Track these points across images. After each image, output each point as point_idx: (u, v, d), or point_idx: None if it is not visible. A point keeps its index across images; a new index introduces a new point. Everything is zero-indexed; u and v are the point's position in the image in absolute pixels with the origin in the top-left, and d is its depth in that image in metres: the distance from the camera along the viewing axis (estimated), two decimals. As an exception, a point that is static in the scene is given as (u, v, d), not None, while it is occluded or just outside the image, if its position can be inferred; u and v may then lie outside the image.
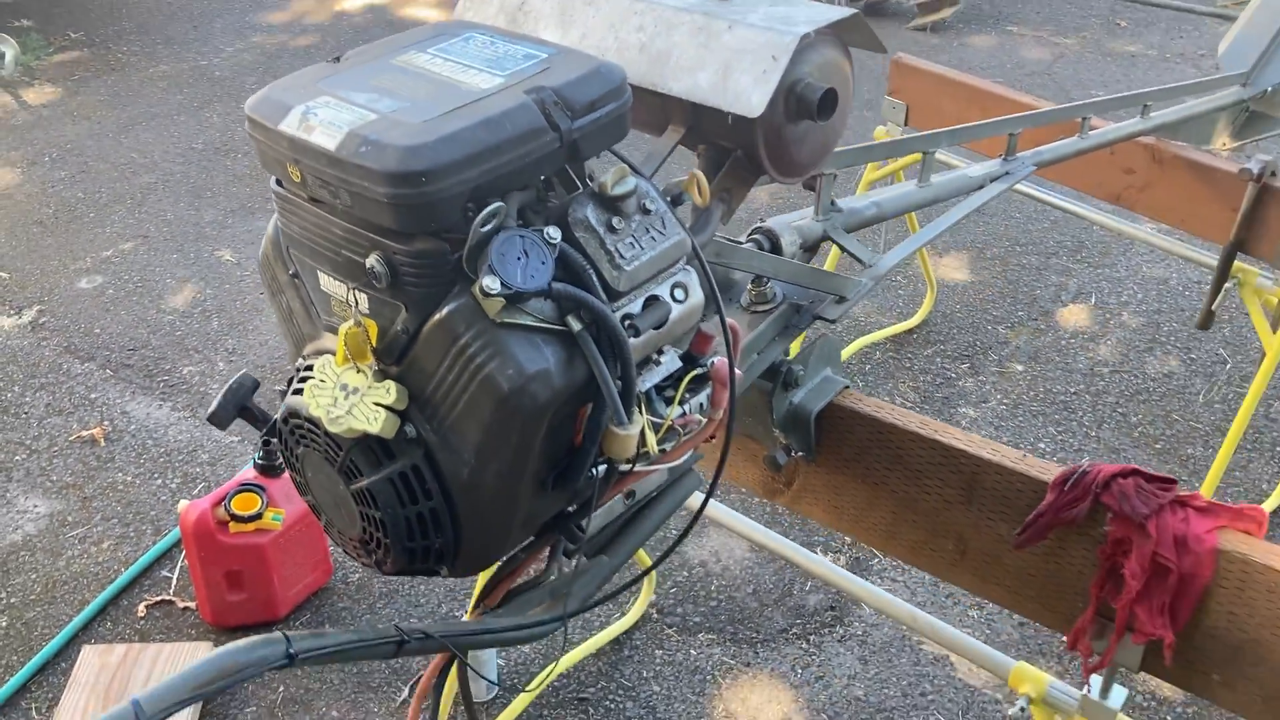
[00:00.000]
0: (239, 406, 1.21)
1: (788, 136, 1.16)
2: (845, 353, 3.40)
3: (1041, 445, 3.08)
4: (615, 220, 1.05)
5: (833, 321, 1.57)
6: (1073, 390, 3.29)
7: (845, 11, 1.16)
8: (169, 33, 5.84)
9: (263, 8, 6.15)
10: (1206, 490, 2.51)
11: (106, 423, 3.19)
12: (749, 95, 1.10)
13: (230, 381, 1.24)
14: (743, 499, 2.86)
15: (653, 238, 1.07)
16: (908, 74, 2.85)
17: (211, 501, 2.46)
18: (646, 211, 1.08)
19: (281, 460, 1.22)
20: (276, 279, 1.19)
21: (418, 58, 1.13)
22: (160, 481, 2.99)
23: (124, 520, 2.86)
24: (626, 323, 1.07)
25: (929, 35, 5.69)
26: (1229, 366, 3.37)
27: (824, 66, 1.16)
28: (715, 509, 1.99)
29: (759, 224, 1.55)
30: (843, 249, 1.63)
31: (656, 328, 1.10)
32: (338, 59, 1.15)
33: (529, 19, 1.29)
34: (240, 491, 2.47)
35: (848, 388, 1.59)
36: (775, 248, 1.54)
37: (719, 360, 1.17)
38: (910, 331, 3.53)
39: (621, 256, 1.05)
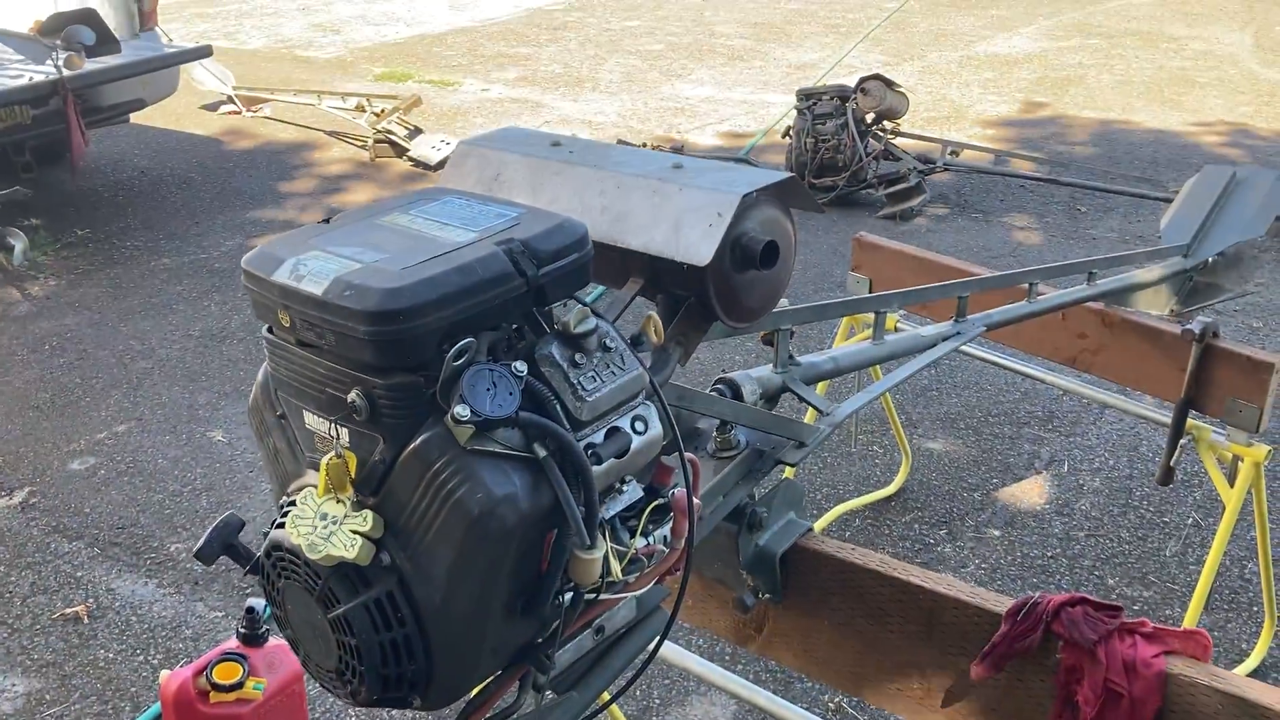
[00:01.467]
0: (225, 544, 1.28)
1: (736, 285, 1.28)
2: (825, 520, 3.45)
3: (1021, 608, 3.10)
4: (578, 356, 1.15)
5: (793, 465, 1.65)
6: (1049, 554, 3.33)
7: (782, 174, 1.29)
8: (172, 228, 6.10)
9: (262, 205, 6.44)
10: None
11: (91, 600, 3.20)
12: (698, 247, 1.22)
13: (218, 521, 1.30)
14: (738, 660, 2.86)
15: (613, 372, 1.17)
16: (869, 250, 3.02)
17: (193, 671, 2.45)
18: (607, 349, 1.17)
19: (264, 629, 1.27)
20: (264, 421, 1.27)
21: (400, 218, 1.25)
22: (142, 658, 2.98)
23: (103, 698, 2.84)
24: (589, 451, 1.15)
25: (897, 223, 5.96)
26: (1203, 528, 3.43)
27: (766, 222, 1.28)
28: (705, 667, 2.02)
29: (721, 375, 1.65)
30: (801, 399, 1.72)
31: (618, 457, 1.18)
32: (327, 220, 1.27)
33: (503, 188, 1.43)
34: (222, 660, 2.47)
35: (810, 530, 1.66)
36: (737, 396, 1.63)
37: (679, 491, 1.25)
38: (888, 499, 3.60)
39: (584, 389, 1.14)
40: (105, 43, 5.44)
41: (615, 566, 1.19)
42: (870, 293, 3.06)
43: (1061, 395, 4.02)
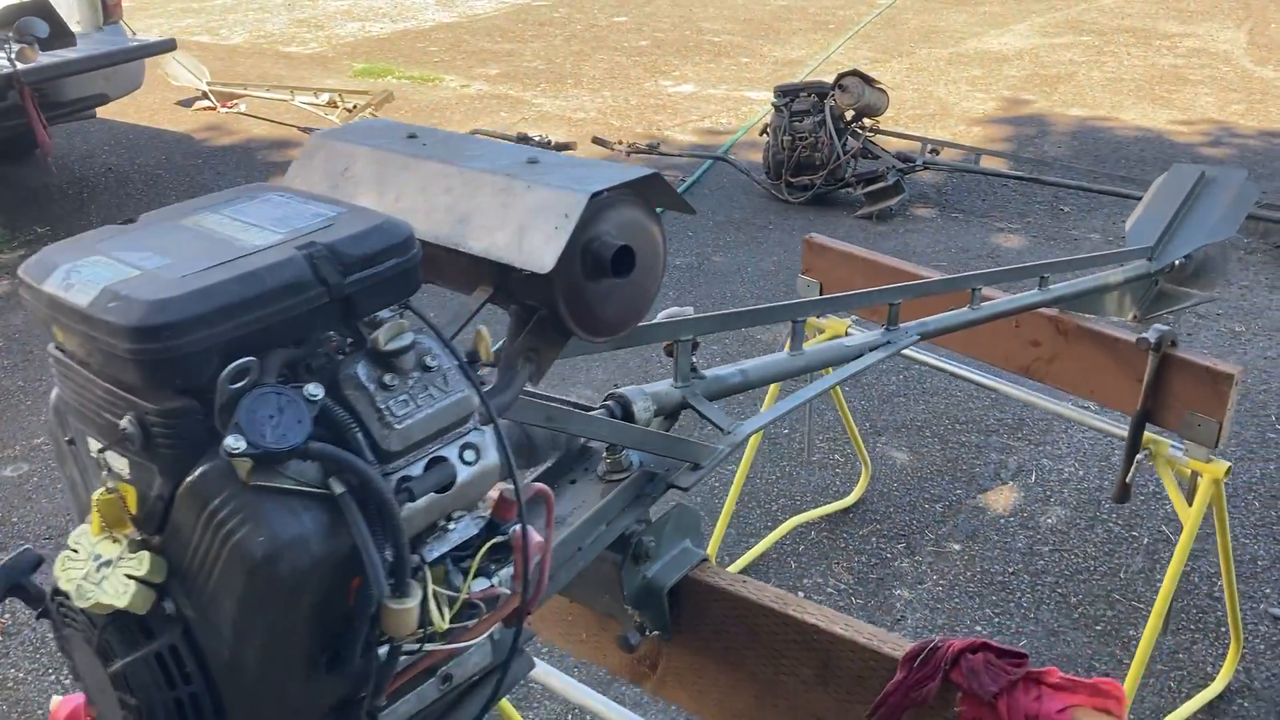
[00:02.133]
0: (11, 584, 1.14)
1: (589, 295, 1.14)
2: (777, 534, 3.31)
3: (978, 628, 2.97)
4: (388, 377, 1.01)
5: (685, 489, 1.51)
6: (1011, 570, 3.19)
7: (643, 171, 1.15)
8: (133, 226, 5.95)
9: (228, 202, 6.30)
10: (1133, 674, 2.39)
11: (7, 616, 3.06)
12: (541, 252, 1.08)
13: (10, 555, 1.16)
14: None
15: (431, 395, 1.03)
16: (818, 253, 2.88)
17: (86, 697, 2.32)
18: (426, 368, 1.03)
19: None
20: (60, 447, 1.13)
21: (208, 218, 1.11)
22: (53, 678, 2.84)
23: (7, 719, 2.70)
24: (402, 485, 1.01)
25: (874, 223, 5.82)
26: (1172, 543, 3.28)
27: (623, 225, 1.14)
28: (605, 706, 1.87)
29: (613, 390, 1.51)
30: (702, 415, 1.58)
31: (440, 490, 1.04)
32: (130, 220, 1.13)
33: (349, 184, 1.28)
34: (119, 685, 2.34)
35: (705, 560, 1.52)
36: (627, 414, 1.49)
37: (519, 527, 1.11)
38: (846, 511, 3.46)
39: (393, 414, 1.00)
40: (59, 35, 5.30)
41: (437, 614, 1.05)
42: (821, 296, 2.92)
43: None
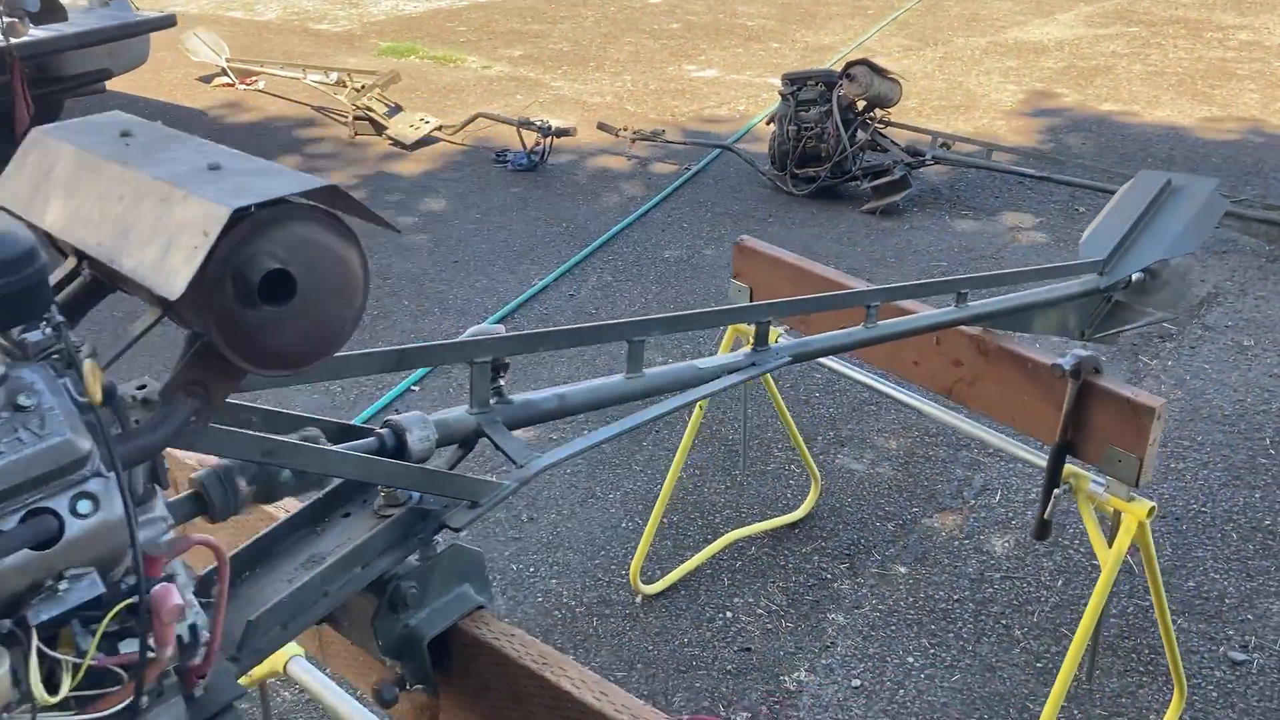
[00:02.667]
0: None
1: (249, 324, 1.00)
2: (713, 548, 3.16)
3: (910, 660, 2.79)
4: (-35, 417, 0.88)
5: (458, 530, 1.37)
6: (956, 597, 3.01)
7: (320, 182, 1.01)
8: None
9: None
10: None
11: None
12: (175, 276, 0.95)
13: None
14: None
15: (20, 439, 0.90)
16: (749, 257, 2.71)
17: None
18: (19, 408, 0.91)
19: None
20: None
21: None
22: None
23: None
24: (-14, 542, 0.88)
25: (879, 219, 5.61)
26: (1136, 575, 3.08)
27: (293, 245, 1.00)
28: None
29: (390, 416, 1.38)
30: (496, 446, 1.44)
31: (39, 546, 0.91)
32: None
33: (49, 187, 1.16)
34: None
35: (482, 607, 1.38)
36: (400, 444, 1.36)
37: (160, 589, 0.98)
38: (792, 526, 3.29)
39: (-35, 461, 0.87)
40: (51, 10, 5.26)
41: (37, 686, 0.92)
42: (751, 302, 2.76)
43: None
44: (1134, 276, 2.55)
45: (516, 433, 1.48)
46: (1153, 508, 2.09)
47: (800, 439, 3.22)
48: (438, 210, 5.83)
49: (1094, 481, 2.15)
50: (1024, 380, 2.21)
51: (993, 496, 3.42)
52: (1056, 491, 2.15)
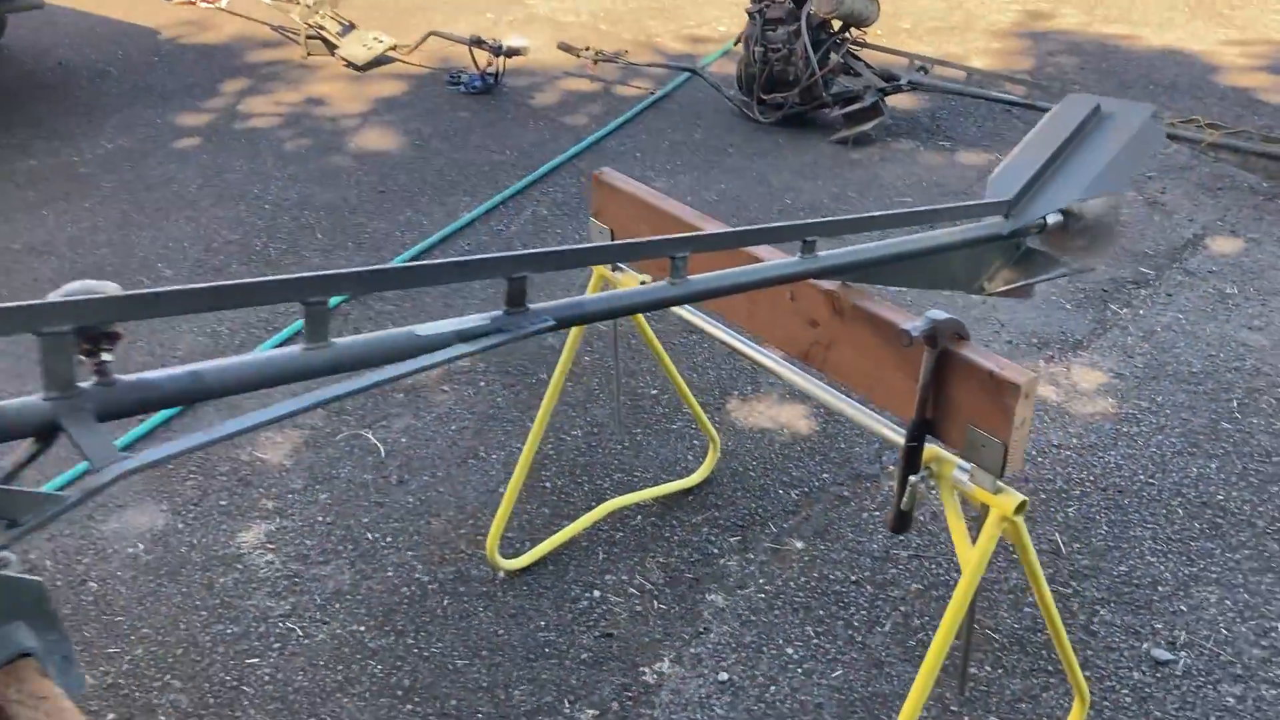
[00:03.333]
0: None
1: None
2: (592, 516, 2.84)
3: (790, 651, 2.48)
4: None
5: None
6: (854, 578, 2.68)
7: None
8: (59, 125, 5.61)
9: (168, 105, 5.91)
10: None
11: None
12: None
13: None
14: None
15: None
16: (607, 193, 2.36)
17: None
18: None
19: None
20: None
21: None
22: None
23: None
24: None
25: (850, 149, 5.19)
26: (1063, 555, 2.74)
27: None
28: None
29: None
30: (73, 442, 1.12)
31: None
32: None
33: None
34: None
35: (28, 656, 1.07)
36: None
37: None
38: (686, 492, 2.97)
39: None
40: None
41: None
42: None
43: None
44: (1049, 219, 2.18)
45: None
46: (1023, 502, 1.75)
47: (690, 394, 2.88)
48: (374, 135, 5.48)
49: (960, 468, 1.80)
50: (881, 346, 1.85)
51: (916, 462, 3.07)
52: (914, 479, 1.81)
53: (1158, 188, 4.71)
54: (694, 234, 1.67)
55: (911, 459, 1.82)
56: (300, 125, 5.69)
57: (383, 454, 3.13)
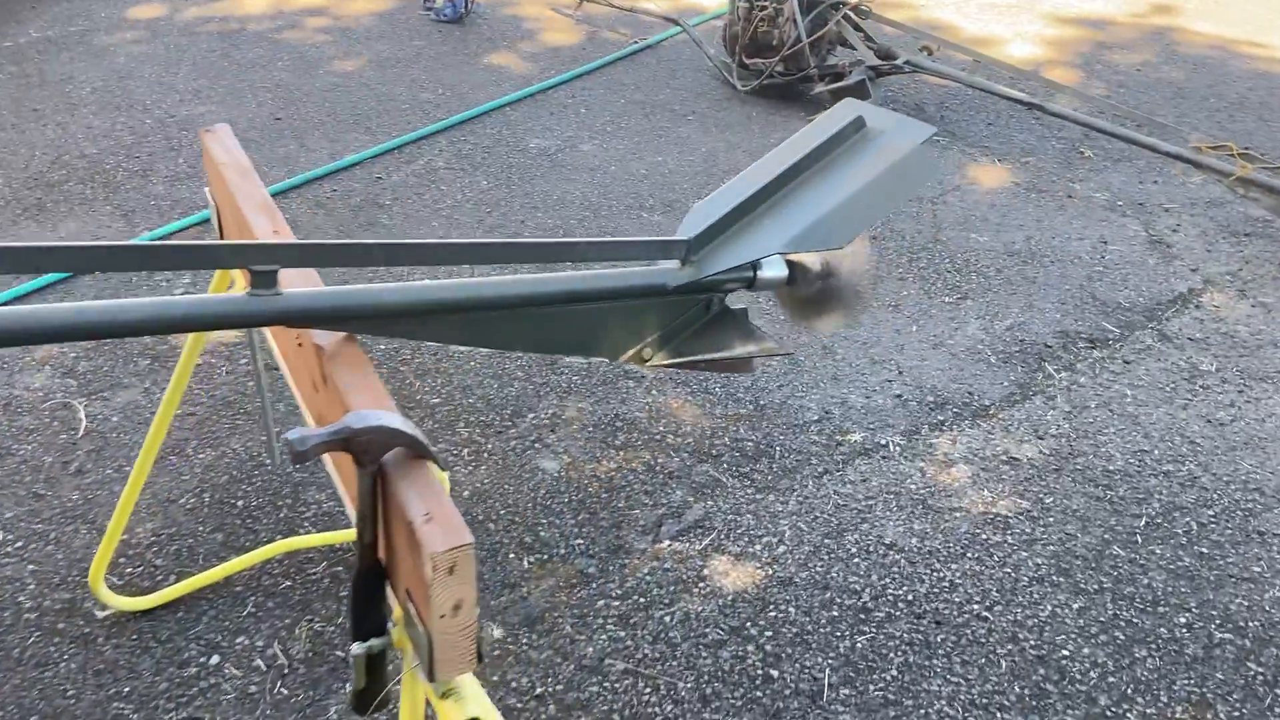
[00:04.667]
0: None
1: None
2: (265, 552, 2.30)
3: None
4: None
5: None
6: (539, 691, 2.08)
7: None
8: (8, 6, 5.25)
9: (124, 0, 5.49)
10: None
11: None
12: None
13: None
14: None
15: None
16: (210, 165, 1.77)
17: None
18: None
19: None
20: None
21: None
22: None
23: None
24: None
25: (824, 132, 4.46)
26: (815, 705, 2.10)
27: None
28: None
29: None
30: None
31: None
32: None
33: None
34: None
35: None
36: None
37: None
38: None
39: None
40: None
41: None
42: (220, 229, 1.83)
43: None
44: (762, 272, 1.55)
45: None
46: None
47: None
48: (313, 57, 4.96)
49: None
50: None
51: (701, 539, 2.45)
52: (357, 649, 1.21)
53: (1170, 223, 3.90)
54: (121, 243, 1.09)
55: (362, 616, 1.22)
56: (247, 35, 5.21)
57: (80, 433, 2.64)
